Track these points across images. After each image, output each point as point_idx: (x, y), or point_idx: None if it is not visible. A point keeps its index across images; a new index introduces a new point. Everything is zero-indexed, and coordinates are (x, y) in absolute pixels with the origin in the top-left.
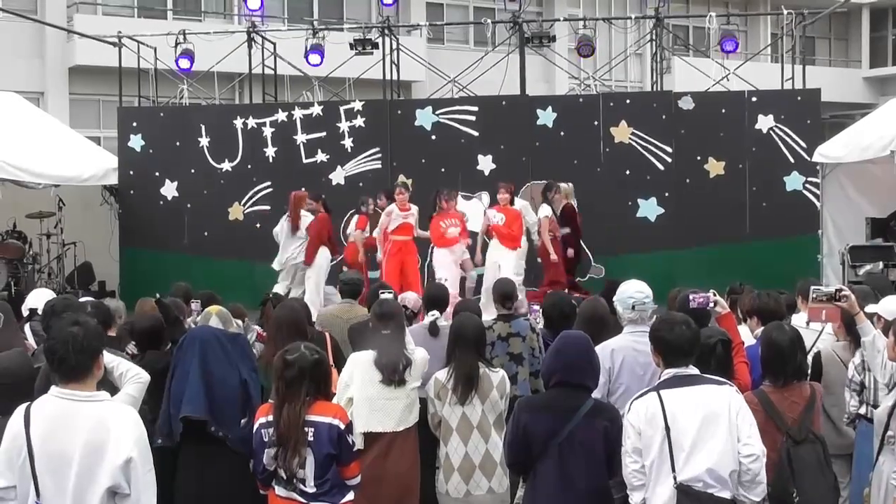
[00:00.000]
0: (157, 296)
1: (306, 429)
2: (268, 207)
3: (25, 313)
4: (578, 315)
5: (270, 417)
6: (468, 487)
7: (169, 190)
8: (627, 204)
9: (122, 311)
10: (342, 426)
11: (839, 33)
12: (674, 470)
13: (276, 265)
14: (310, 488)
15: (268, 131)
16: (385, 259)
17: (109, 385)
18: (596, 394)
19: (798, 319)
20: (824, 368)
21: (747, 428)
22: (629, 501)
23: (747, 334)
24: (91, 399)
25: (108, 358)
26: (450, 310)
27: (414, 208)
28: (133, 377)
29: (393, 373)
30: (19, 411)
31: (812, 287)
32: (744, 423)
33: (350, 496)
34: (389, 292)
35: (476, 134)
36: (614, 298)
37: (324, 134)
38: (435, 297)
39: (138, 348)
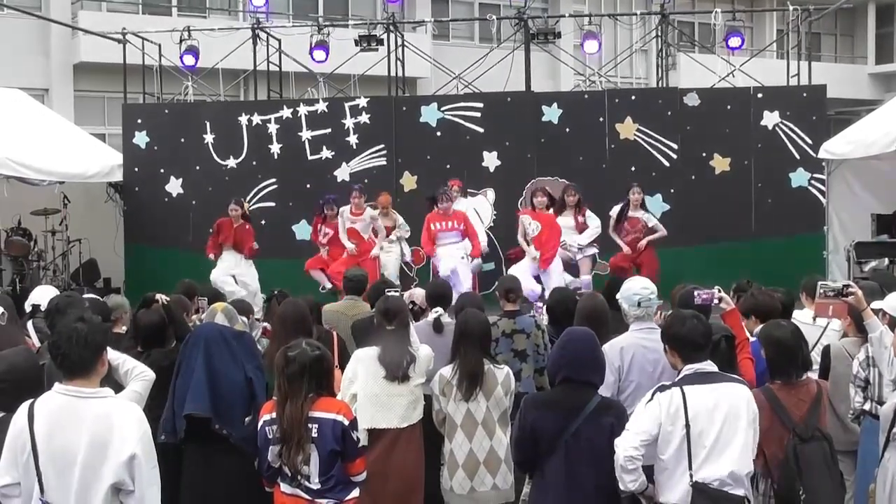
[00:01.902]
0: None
1: (310, 425)
2: (273, 204)
3: (28, 310)
4: (577, 312)
5: (274, 415)
6: (473, 484)
7: (174, 187)
8: None
9: (127, 308)
10: (346, 422)
11: (845, 29)
12: (691, 468)
13: None
14: (315, 485)
15: (273, 128)
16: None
17: (114, 382)
18: (605, 392)
19: (801, 315)
20: (832, 364)
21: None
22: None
23: None
24: (95, 395)
25: (114, 355)
26: None
27: (368, 213)
28: (139, 374)
29: (396, 369)
30: (23, 408)
31: (819, 282)
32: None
33: (355, 493)
34: (395, 290)
35: (481, 130)
36: (618, 296)
37: (329, 130)
38: (438, 294)
39: (143, 346)
